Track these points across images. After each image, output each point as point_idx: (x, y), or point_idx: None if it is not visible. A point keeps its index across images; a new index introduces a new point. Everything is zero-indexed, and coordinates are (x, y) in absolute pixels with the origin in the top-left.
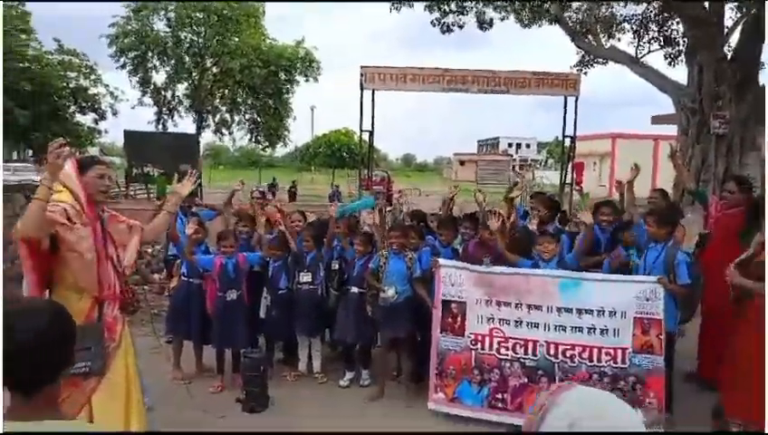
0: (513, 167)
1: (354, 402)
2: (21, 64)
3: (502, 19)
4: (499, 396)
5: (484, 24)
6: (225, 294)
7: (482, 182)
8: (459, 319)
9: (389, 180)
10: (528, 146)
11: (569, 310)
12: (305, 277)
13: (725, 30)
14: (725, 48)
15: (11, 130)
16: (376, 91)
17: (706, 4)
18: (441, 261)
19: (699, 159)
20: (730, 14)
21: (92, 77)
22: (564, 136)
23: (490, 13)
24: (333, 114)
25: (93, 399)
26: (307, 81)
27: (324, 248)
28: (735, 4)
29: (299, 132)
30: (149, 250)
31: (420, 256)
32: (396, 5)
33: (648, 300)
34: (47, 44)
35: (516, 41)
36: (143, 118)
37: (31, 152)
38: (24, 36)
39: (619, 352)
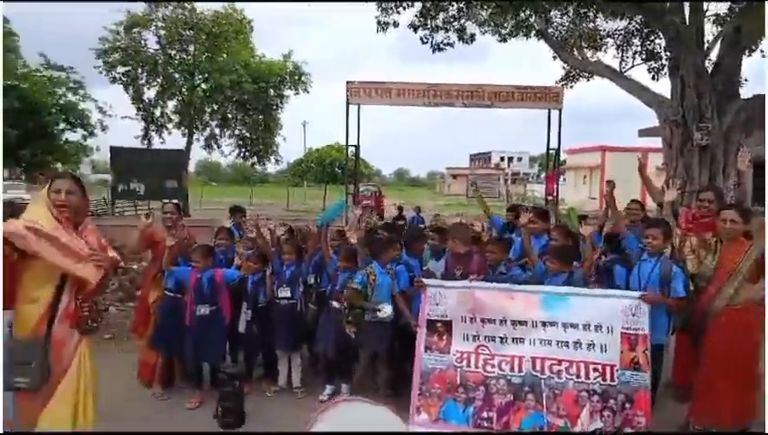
0: (506, 180)
1: None
2: (9, 82)
3: (483, 33)
4: (485, 415)
5: (464, 38)
6: (197, 308)
7: (473, 196)
8: (445, 337)
9: (380, 195)
10: (520, 159)
11: (553, 324)
12: (284, 292)
13: (706, 44)
14: (707, 62)
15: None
16: (366, 107)
17: (687, 18)
18: (426, 281)
19: (684, 171)
20: (710, 29)
21: (81, 92)
22: (549, 149)
23: (471, 28)
24: (326, 129)
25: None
26: (297, 94)
27: (304, 262)
28: (714, 17)
29: (292, 147)
30: (135, 266)
31: (397, 272)
32: (383, 26)
33: (633, 315)
34: (33, 60)
35: (506, 57)
36: (131, 133)
37: (20, 170)
38: (12, 56)
39: (608, 368)
